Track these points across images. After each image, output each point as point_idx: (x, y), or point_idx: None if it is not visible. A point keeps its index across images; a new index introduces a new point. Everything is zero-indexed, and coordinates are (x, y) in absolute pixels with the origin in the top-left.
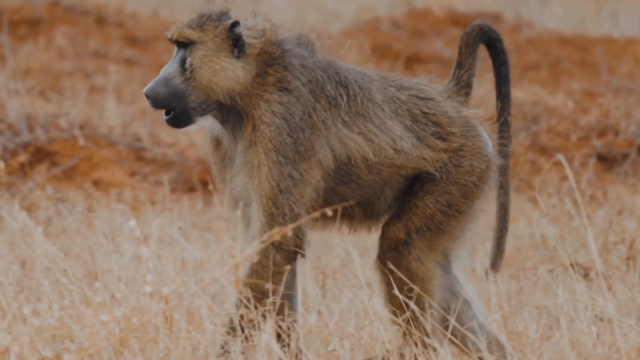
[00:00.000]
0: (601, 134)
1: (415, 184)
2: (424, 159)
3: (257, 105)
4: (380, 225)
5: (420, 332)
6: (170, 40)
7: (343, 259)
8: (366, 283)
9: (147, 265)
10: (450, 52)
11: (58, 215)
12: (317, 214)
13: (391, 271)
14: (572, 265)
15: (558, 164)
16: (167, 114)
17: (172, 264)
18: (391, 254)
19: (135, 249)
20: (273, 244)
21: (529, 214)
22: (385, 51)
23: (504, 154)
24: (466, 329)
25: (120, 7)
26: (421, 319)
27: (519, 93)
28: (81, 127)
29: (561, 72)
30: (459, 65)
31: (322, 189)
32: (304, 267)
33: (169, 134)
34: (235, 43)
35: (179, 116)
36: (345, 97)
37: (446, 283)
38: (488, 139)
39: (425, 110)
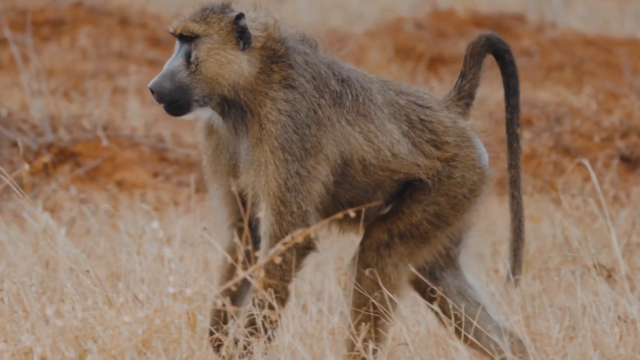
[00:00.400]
0: (624, 135)
1: (406, 190)
2: (418, 165)
3: (262, 103)
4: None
5: (377, 337)
6: (174, 34)
7: None
8: None
9: (170, 266)
10: None
11: (81, 216)
12: (340, 214)
13: (366, 271)
14: (595, 266)
15: (581, 164)
16: (168, 103)
17: (195, 265)
18: (371, 253)
19: (159, 249)
20: (284, 242)
21: (552, 214)
22: (408, 52)
23: (513, 165)
24: (486, 331)
25: (143, 8)
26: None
27: (542, 94)
28: (104, 128)
29: (585, 73)
30: (462, 75)
31: (331, 183)
32: (326, 268)
33: (191, 135)
34: (240, 35)
35: (180, 106)
36: (350, 96)
37: (456, 288)
38: (484, 151)
39: (422, 117)
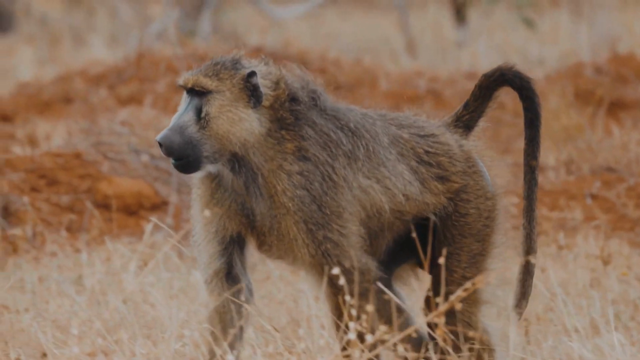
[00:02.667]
0: None
1: (433, 254)
2: (427, 204)
3: (278, 177)
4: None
5: None
6: (184, 87)
7: (546, 305)
8: (573, 329)
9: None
10: None
11: (262, 261)
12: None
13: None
14: None
15: None
16: (177, 159)
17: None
18: (449, 325)
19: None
20: (344, 292)
21: None
22: (588, 97)
23: (527, 197)
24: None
25: (323, 53)
26: None
27: None
28: None
29: None
30: (465, 105)
31: (364, 232)
32: (507, 314)
33: None
34: (252, 93)
35: (190, 164)
36: (362, 148)
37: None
38: (486, 171)
39: (427, 149)
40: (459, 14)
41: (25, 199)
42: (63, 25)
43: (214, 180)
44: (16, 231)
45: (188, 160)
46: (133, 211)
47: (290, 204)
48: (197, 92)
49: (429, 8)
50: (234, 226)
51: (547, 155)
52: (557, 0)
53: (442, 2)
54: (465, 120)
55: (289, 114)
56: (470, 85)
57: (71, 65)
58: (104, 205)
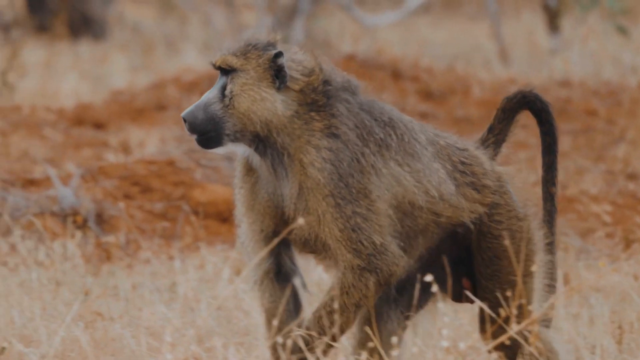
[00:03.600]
0: None
1: (472, 275)
2: (462, 208)
3: (305, 151)
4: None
5: None
6: (214, 66)
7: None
8: None
9: (443, 320)
10: None
11: None
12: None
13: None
14: None
15: None
16: (199, 135)
17: (468, 319)
18: (506, 352)
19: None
20: (369, 268)
21: None
22: None
23: (549, 226)
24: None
25: (416, 61)
26: None
27: None
28: None
29: None
30: (490, 129)
31: (394, 217)
32: (599, 321)
33: None
34: (277, 74)
35: (211, 139)
36: (395, 137)
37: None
38: (514, 195)
39: (462, 159)
40: (553, 21)
41: (120, 205)
42: (156, 32)
43: (253, 176)
44: (110, 238)
45: (210, 135)
46: (225, 218)
47: (320, 176)
48: (224, 71)
49: (521, 15)
50: (269, 221)
51: None
52: None
53: (535, 9)
54: (492, 143)
55: (322, 95)
56: (564, 93)
57: (164, 72)
58: (196, 212)
